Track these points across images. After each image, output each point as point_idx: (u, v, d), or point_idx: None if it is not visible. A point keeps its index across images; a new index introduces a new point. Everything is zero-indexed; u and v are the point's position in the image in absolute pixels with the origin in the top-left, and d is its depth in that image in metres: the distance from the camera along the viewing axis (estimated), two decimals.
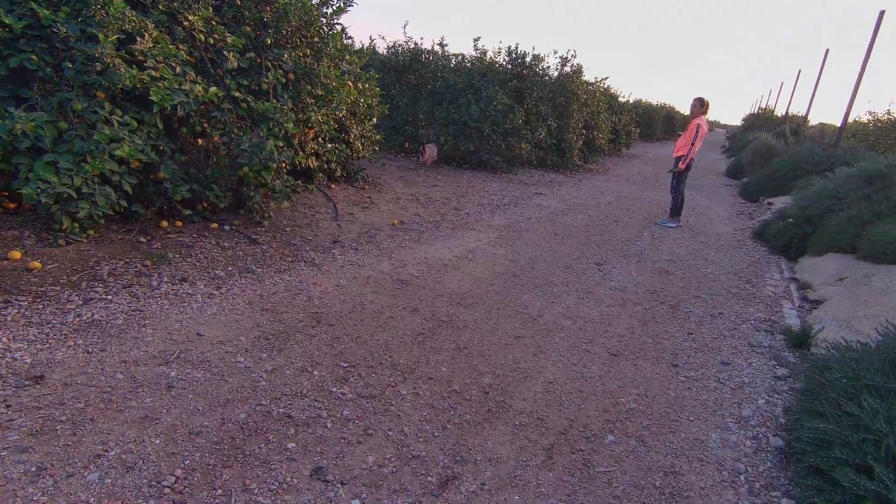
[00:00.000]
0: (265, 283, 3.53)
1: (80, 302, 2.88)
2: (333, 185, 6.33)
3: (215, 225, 4.35)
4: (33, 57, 3.35)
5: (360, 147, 6.51)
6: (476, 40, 10.67)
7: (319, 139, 5.66)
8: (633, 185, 10.57)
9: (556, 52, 11.61)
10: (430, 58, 10.71)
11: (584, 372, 2.92)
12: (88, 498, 1.69)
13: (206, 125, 4.29)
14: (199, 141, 4.53)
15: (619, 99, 17.32)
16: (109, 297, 2.99)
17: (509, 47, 10.77)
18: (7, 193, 3.68)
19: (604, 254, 5.34)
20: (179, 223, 4.23)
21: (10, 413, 1.99)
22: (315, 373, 2.56)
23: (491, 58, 10.73)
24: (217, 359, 2.55)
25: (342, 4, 5.36)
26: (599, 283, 4.42)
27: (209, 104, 4.20)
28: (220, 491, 1.79)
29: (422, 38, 11.56)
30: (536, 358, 3.03)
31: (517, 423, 2.41)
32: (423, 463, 2.07)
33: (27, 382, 2.17)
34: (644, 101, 24.58)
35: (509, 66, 10.77)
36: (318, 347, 2.80)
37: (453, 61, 10.80)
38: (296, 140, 5.09)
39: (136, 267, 3.41)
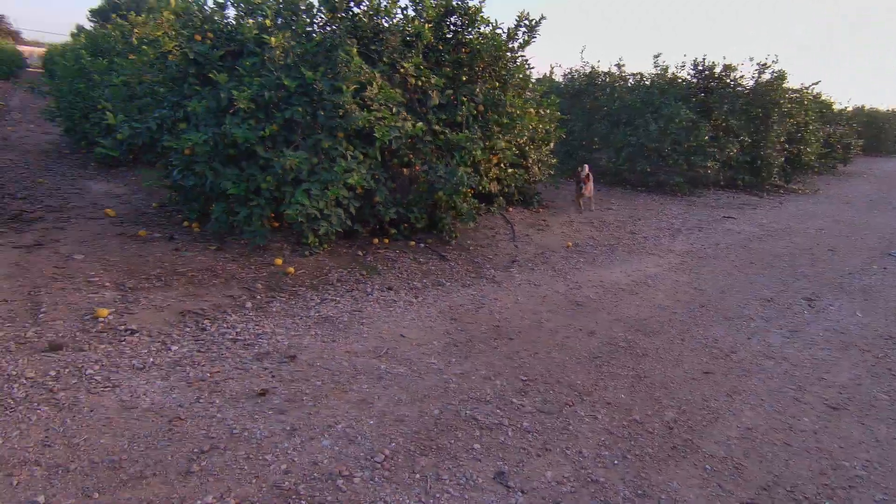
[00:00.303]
0: (453, 296, 3.77)
1: (318, 301, 3.46)
2: (511, 208, 6.49)
3: (413, 243, 4.82)
4: (299, 109, 4.17)
5: (538, 171, 6.55)
6: (656, 56, 9.93)
7: (502, 165, 5.87)
8: (855, 209, 8.58)
9: (752, 59, 10.12)
10: (607, 79, 10.29)
11: (793, 423, 2.44)
12: (322, 459, 2.01)
13: (411, 156, 4.80)
14: (405, 170, 5.09)
15: (834, 107, 14.30)
16: (337, 298, 3.53)
17: (695, 59, 9.76)
18: (273, 215, 4.63)
19: (815, 288, 4.42)
20: (387, 240, 4.80)
21: (274, 382, 2.48)
22: (497, 382, 2.64)
23: (673, 73, 9.85)
24: (416, 358, 2.82)
25: (527, 38, 5.51)
26: (811, 322, 3.67)
27: (414, 137, 4.70)
28: (418, 475, 1.96)
29: (599, 61, 11.14)
30: (730, 399, 2.65)
31: (708, 466, 2.14)
32: (603, 489, 1.97)
33: (285, 359, 2.68)
34: (867, 107, 19.84)
35: (694, 80, 9.75)
36: (500, 359, 2.88)
37: (631, 81, 10.21)
38: (481, 166, 5.37)
39: (355, 275, 3.97)
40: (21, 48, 26.62)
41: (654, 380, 2.78)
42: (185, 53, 4.26)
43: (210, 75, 4.08)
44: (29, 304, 3.00)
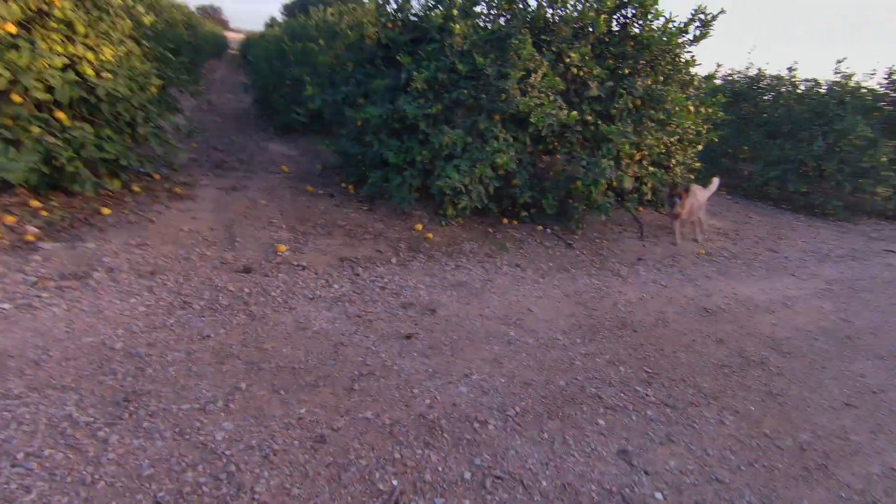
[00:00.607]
0: (578, 282, 3.78)
1: (453, 266, 3.69)
2: (640, 208, 6.18)
3: (541, 227, 4.86)
4: (465, 91, 4.36)
5: (678, 174, 6.13)
6: (839, 62, 8.55)
7: (643, 162, 5.59)
8: None
9: None
10: (773, 83, 9.12)
11: None
12: (460, 402, 2.20)
13: (556, 144, 4.78)
14: (545, 157, 5.08)
15: None
16: (470, 267, 3.73)
17: (891, 68, 8.22)
18: (418, 186, 4.94)
19: None
20: (515, 221, 4.89)
21: (417, 329, 2.75)
22: (621, 369, 2.64)
23: (857, 82, 8.41)
24: (542, 332, 2.91)
25: (700, 32, 5.09)
26: None
27: (564, 126, 4.66)
28: (546, 435, 2.07)
29: (767, 64, 9.90)
30: (874, 436, 2.37)
31: (842, 494, 1.97)
32: (727, 489, 1.91)
33: (426, 312, 2.94)
34: None
35: (883, 91, 8.26)
36: (624, 348, 2.86)
37: (802, 87, 8.93)
38: (623, 161, 5.16)
39: (486, 249, 4.14)
40: (227, 34, 31.30)
41: (787, 399, 2.57)
42: (379, 38, 4.69)
43: (398, 58, 4.43)
44: (227, 233, 3.61)
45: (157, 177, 4.27)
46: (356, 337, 2.59)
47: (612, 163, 4.41)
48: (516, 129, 4.35)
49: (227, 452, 1.74)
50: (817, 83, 8.71)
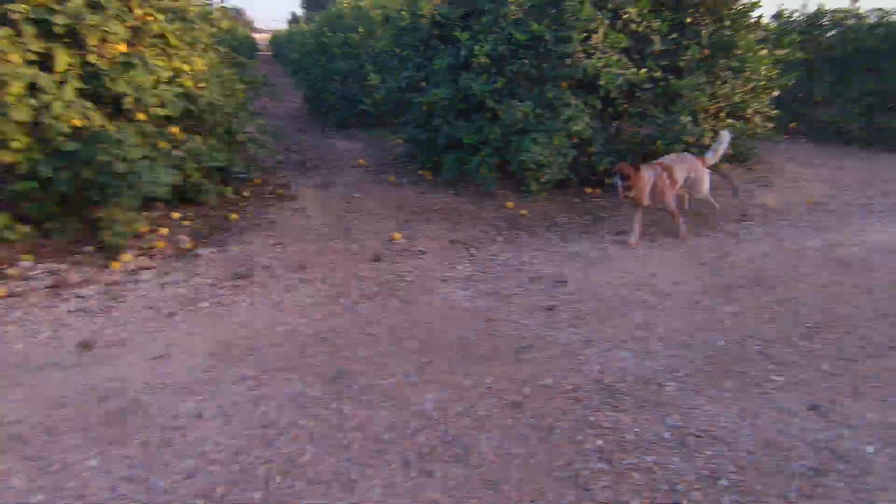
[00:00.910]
0: (689, 243, 3.65)
1: (559, 240, 3.65)
2: (723, 164, 5.89)
3: None
4: (526, 61, 4.28)
5: (757, 124, 5.79)
6: None
7: (720, 115, 5.32)
8: None
9: None
10: (837, 17, 8.44)
11: None
12: (627, 367, 2.19)
13: (626, 105, 4.62)
14: (614, 122, 4.92)
15: None
16: (575, 238, 3.68)
17: None
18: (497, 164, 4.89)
19: None
20: (598, 190, 4.77)
21: (554, 301, 2.74)
22: (775, 325, 2.54)
23: None
24: (677, 295, 2.84)
25: None
26: None
27: (633, 86, 4.49)
28: (727, 394, 2.03)
29: (824, 1, 9.19)
30: None
31: None
32: None
33: (557, 284, 2.93)
34: None
35: None
36: (767, 304, 2.75)
37: (872, 18, 8.22)
38: (699, 116, 4.93)
39: (582, 220, 4.07)
40: (255, 36, 31.48)
41: None
42: (432, 16, 4.65)
43: (455, 34, 4.39)
44: (341, 227, 3.72)
45: (258, 181, 4.45)
46: (501, 312, 2.62)
47: (689, 118, 4.22)
48: (584, 94, 4.22)
49: (442, 419, 1.83)
50: (885, 12, 7.97)
